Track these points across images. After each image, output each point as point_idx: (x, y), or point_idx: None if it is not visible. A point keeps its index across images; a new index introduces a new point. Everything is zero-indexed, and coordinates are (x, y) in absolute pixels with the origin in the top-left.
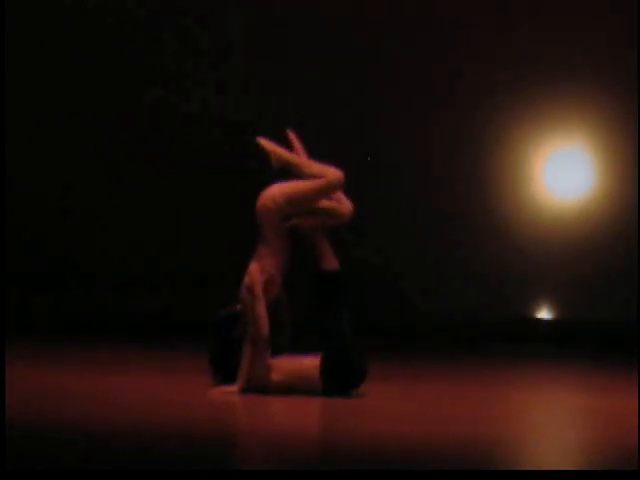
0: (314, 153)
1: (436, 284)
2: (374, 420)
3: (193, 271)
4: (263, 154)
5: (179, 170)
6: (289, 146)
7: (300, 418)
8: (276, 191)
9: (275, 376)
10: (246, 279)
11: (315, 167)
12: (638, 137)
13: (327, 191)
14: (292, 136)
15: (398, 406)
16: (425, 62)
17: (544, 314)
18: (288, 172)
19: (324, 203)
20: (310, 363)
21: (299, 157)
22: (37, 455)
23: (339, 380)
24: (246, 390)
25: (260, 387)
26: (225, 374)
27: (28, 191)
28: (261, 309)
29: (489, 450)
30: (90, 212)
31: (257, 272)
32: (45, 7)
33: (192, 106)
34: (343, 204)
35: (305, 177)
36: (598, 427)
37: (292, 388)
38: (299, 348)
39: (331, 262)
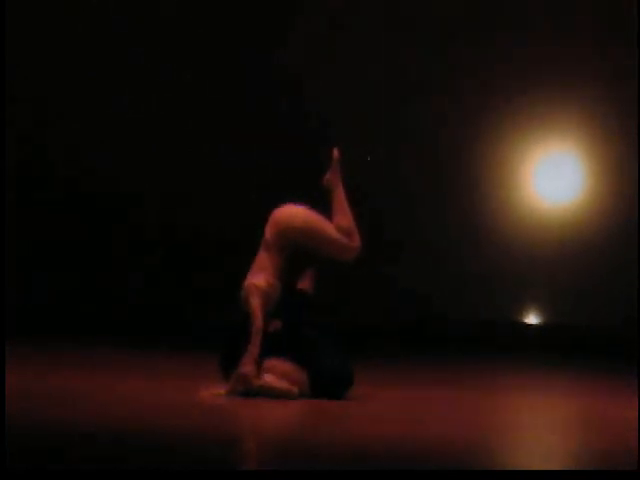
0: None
1: (424, 289)
2: (364, 423)
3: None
4: (330, 163)
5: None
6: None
7: (289, 420)
8: (301, 219)
9: (266, 379)
10: (243, 294)
11: (347, 220)
12: (637, 142)
13: (339, 252)
14: (335, 155)
15: (388, 409)
16: (418, 66)
17: (532, 319)
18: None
19: (335, 235)
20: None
21: (344, 198)
22: (37, 455)
23: (328, 388)
24: (233, 393)
25: (248, 390)
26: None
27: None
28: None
29: (481, 453)
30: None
31: (259, 313)
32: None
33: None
34: (353, 237)
35: (332, 218)
36: (594, 430)
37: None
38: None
39: (308, 284)
